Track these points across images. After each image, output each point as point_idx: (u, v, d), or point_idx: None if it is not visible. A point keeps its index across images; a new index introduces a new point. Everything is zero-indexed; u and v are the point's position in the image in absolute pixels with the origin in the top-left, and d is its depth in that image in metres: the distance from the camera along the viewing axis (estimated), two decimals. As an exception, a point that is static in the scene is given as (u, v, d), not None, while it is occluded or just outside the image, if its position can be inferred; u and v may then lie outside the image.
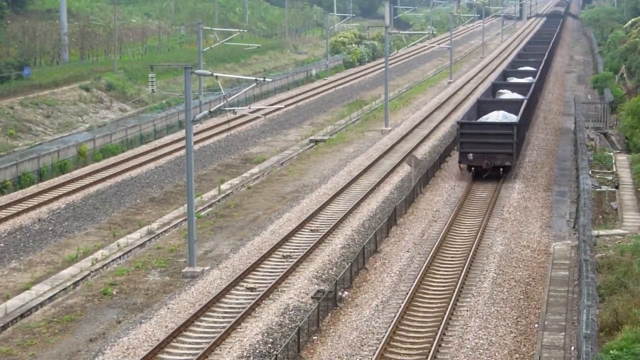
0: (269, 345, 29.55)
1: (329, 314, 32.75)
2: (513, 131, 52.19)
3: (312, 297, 33.94)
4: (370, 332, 30.74)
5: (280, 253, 39.56)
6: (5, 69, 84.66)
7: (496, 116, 56.53)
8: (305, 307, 32.98)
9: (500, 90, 68.41)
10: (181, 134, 67.88)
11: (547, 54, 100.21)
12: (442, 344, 29.44)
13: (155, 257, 41.16)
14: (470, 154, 52.16)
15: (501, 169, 52.55)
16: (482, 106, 60.99)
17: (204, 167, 60.57)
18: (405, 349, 29.39)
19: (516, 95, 64.69)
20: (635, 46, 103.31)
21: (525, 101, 59.96)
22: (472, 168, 52.93)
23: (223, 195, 52.40)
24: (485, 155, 51.92)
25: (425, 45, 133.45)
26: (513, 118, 55.41)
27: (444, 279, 35.98)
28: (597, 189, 49.86)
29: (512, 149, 52.19)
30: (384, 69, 77.95)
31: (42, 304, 35.25)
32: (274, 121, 78.43)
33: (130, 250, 41.89)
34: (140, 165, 58.70)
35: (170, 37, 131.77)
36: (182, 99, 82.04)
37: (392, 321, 31.08)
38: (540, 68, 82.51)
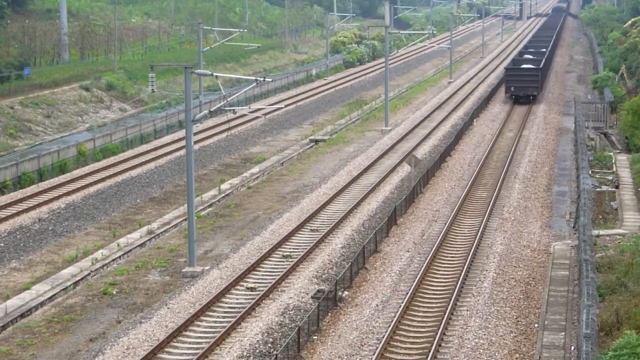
0: (269, 345, 29.55)
1: (329, 314, 32.74)
2: (539, 73, 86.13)
3: (312, 297, 33.94)
4: (370, 332, 30.74)
5: (280, 253, 39.56)
6: (5, 69, 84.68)
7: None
8: (305, 307, 32.97)
9: (525, 55, 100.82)
10: (181, 133, 67.87)
11: (555, 35, 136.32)
12: (442, 344, 29.44)
13: (155, 257, 41.17)
14: (512, 87, 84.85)
15: (531, 97, 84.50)
16: (516, 62, 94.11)
17: (204, 167, 60.56)
18: (405, 348, 29.39)
19: (537, 57, 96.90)
20: (635, 46, 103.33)
21: (544, 59, 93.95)
22: (513, 96, 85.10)
23: (223, 195, 52.40)
24: (521, 87, 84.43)
25: (425, 45, 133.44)
26: (538, 64, 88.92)
27: (444, 278, 35.98)
28: (597, 189, 49.87)
29: (538, 84, 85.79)
30: (384, 68, 77.96)
31: (42, 304, 35.25)
32: (274, 121, 78.42)
33: (130, 250, 41.89)
34: (140, 165, 58.67)
35: (170, 37, 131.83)
36: (182, 98, 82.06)
37: (392, 321, 31.08)
38: (551, 43, 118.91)
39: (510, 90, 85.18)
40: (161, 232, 44.74)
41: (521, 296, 34.05)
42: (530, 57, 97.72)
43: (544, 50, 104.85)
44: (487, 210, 45.64)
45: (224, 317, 32.32)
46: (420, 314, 32.22)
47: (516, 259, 38.46)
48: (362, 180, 53.49)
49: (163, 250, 42.37)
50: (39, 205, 48.13)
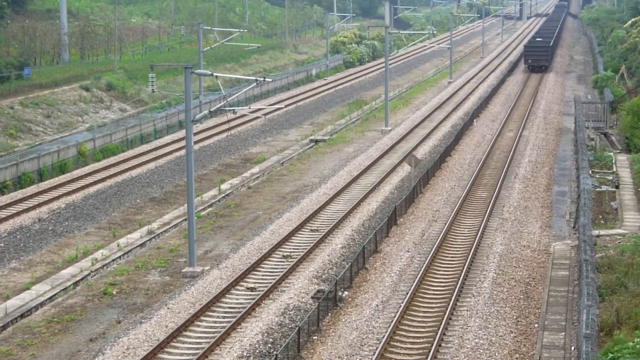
0: (269, 345, 29.55)
1: (329, 314, 32.74)
2: (549, 49, 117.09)
3: (312, 297, 33.94)
4: (370, 332, 30.74)
5: (280, 253, 39.55)
6: (5, 69, 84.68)
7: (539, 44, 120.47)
8: (305, 307, 32.97)
9: (537, 38, 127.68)
10: (181, 134, 67.89)
11: (559, 25, 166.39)
12: (442, 344, 29.44)
13: (155, 257, 41.17)
14: (530, 59, 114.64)
15: (543, 67, 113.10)
16: (532, 42, 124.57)
17: (204, 167, 60.57)
18: (405, 349, 29.39)
19: (546, 39, 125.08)
20: (635, 46, 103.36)
21: (552, 40, 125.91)
22: (530, 67, 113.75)
23: (223, 195, 52.40)
24: (536, 59, 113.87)
25: (425, 45, 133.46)
26: (548, 43, 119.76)
27: (444, 278, 35.98)
28: (597, 189, 49.87)
29: (549, 56, 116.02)
30: (384, 68, 77.97)
31: (42, 304, 35.25)
32: (274, 121, 78.43)
33: (130, 250, 41.89)
34: (140, 165, 58.67)
35: (170, 37, 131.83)
36: (182, 98, 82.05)
37: (392, 321, 31.08)
38: (557, 29, 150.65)
39: (528, 62, 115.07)
40: (161, 232, 44.74)
41: (521, 296, 34.05)
42: (541, 39, 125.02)
43: (551, 35, 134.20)
44: (487, 211, 45.65)
45: (224, 317, 32.33)
46: (420, 314, 32.22)
47: (516, 259, 38.46)
48: (362, 180, 53.49)
49: (163, 250, 42.37)
50: (39, 205, 48.14)
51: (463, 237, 41.64)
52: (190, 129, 38.08)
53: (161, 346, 29.56)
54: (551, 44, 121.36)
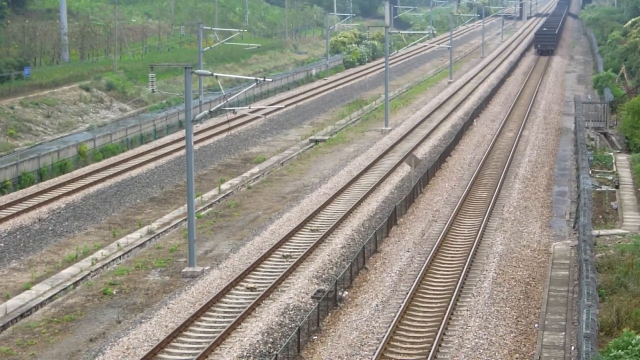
0: (269, 345, 29.55)
1: (329, 314, 32.74)
2: (555, 35, 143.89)
3: (312, 297, 33.94)
4: (370, 332, 30.74)
5: (280, 253, 39.55)
6: (5, 69, 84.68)
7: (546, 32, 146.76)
8: (305, 307, 32.97)
9: (544, 29, 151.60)
10: (181, 133, 67.88)
11: (562, 19, 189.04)
12: (442, 344, 29.44)
13: (155, 257, 41.17)
14: (539, 45, 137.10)
15: (550, 51, 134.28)
16: (540, 31, 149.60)
17: (204, 167, 60.56)
18: (405, 349, 29.39)
19: (552, 29, 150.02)
20: (635, 46, 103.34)
21: (557, 29, 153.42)
22: (540, 51, 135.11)
23: (223, 195, 52.40)
24: (544, 44, 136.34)
25: (425, 45, 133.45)
26: (554, 31, 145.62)
27: (444, 278, 35.98)
28: (597, 189, 49.87)
29: (555, 42, 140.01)
30: (384, 68, 77.98)
31: (42, 304, 35.26)
32: (274, 121, 78.42)
33: (130, 250, 41.89)
34: (140, 165, 58.66)
35: (170, 37, 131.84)
36: (182, 98, 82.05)
37: (392, 321, 31.08)
38: (561, 21, 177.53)
39: (537, 47, 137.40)
40: (161, 232, 44.74)
41: (521, 296, 34.05)
42: (548, 29, 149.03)
43: (556, 26, 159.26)
44: (487, 210, 45.64)
45: (224, 317, 32.33)
46: (420, 314, 32.22)
47: (516, 259, 38.46)
48: (362, 180, 53.49)
49: (163, 250, 42.37)
50: (39, 205, 48.12)
51: (463, 237, 41.63)
52: (190, 129, 38.09)
53: (161, 346, 29.56)
54: (556, 32, 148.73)
